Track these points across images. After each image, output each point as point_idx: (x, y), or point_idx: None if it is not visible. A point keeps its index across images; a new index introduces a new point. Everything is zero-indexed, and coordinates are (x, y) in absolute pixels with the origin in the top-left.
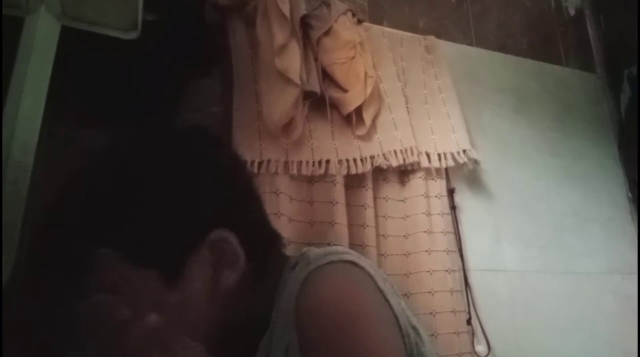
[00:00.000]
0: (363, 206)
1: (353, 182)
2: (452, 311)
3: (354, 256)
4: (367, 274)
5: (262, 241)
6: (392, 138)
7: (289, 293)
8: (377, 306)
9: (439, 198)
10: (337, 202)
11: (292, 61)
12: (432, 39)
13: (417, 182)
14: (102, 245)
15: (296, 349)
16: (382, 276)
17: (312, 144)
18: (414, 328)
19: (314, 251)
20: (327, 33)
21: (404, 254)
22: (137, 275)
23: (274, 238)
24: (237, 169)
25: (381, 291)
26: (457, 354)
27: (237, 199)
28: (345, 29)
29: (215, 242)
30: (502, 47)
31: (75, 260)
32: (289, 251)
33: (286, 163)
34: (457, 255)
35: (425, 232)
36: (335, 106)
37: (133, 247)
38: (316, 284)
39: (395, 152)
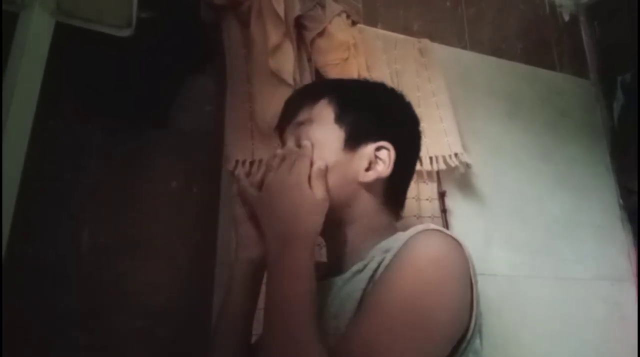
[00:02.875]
0: None
1: None
2: None
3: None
4: (467, 260)
5: (404, 184)
6: None
7: (402, 239)
8: (462, 287)
9: (430, 201)
10: None
11: (286, 62)
12: (426, 42)
13: None
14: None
15: (385, 265)
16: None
17: None
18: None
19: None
20: (321, 34)
21: None
22: (333, 130)
23: (405, 195)
24: (411, 112)
25: (471, 275)
26: None
27: (405, 133)
28: (340, 30)
29: (379, 147)
30: (496, 52)
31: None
32: None
33: None
34: None
35: None
36: None
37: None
38: (429, 237)
39: None
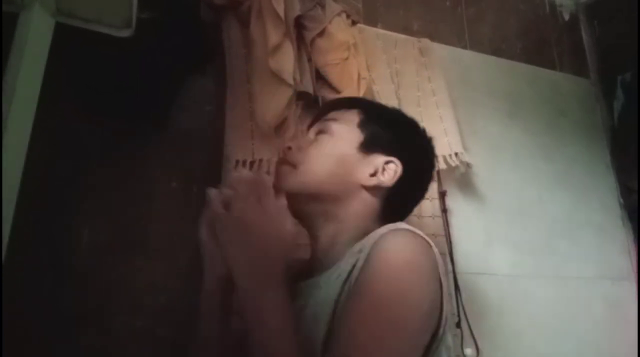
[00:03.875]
0: None
1: None
2: None
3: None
4: (436, 260)
5: (403, 200)
6: None
7: (372, 237)
8: (433, 288)
9: (431, 201)
10: None
11: (286, 61)
12: (426, 41)
13: None
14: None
15: (359, 267)
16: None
17: None
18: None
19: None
20: (321, 34)
21: None
22: (354, 130)
23: (404, 209)
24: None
25: (440, 275)
26: None
27: (417, 157)
28: (340, 30)
29: (389, 161)
30: (496, 51)
31: None
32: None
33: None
34: (447, 258)
35: None
36: None
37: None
38: (399, 239)
39: None
